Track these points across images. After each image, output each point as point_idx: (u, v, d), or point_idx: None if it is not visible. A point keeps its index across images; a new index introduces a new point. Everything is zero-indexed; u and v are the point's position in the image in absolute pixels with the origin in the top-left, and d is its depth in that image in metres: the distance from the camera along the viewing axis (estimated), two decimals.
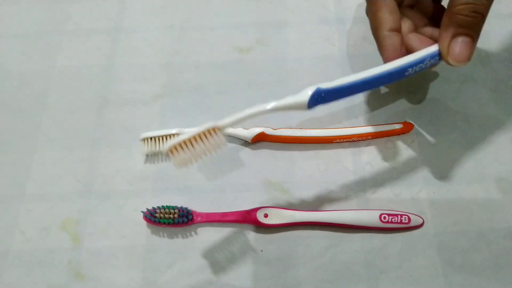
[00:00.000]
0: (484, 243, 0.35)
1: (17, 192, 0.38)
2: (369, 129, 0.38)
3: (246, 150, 0.39)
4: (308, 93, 0.29)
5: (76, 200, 0.37)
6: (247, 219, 0.35)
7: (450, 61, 0.30)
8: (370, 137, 0.38)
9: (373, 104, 0.41)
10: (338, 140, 0.38)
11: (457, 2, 0.28)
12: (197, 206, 0.36)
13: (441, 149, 0.38)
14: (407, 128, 0.38)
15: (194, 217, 0.35)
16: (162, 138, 0.38)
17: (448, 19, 0.29)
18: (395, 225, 0.35)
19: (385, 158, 0.38)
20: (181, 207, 0.35)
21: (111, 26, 0.46)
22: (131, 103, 0.41)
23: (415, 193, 0.37)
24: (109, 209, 0.37)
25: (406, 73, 0.30)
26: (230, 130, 0.38)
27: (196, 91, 0.42)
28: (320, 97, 0.29)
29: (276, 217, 0.35)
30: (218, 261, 0.35)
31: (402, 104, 0.41)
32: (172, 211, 0.34)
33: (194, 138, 0.29)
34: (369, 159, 0.38)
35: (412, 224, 0.35)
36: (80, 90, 0.42)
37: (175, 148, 0.29)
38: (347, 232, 0.35)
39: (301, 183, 0.37)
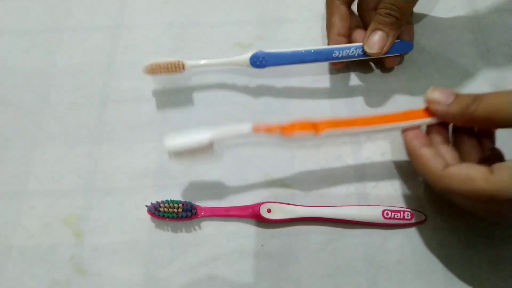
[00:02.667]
0: (484, 238, 0.35)
1: (19, 188, 0.38)
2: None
3: (247, 146, 0.39)
4: (250, 53, 0.38)
5: (77, 196, 0.37)
6: (251, 214, 0.35)
7: (365, 48, 0.37)
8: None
9: (374, 98, 0.41)
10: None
11: (381, 5, 0.36)
12: (198, 202, 0.37)
13: None
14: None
15: (198, 212, 0.35)
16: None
17: (374, 18, 0.37)
18: (397, 221, 0.35)
19: (385, 154, 0.38)
20: (185, 201, 0.35)
21: (112, 23, 0.46)
22: (132, 100, 0.42)
23: (415, 188, 0.37)
24: (110, 205, 0.37)
25: (333, 55, 0.38)
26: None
27: (196, 88, 0.42)
28: (259, 59, 0.38)
29: (279, 212, 0.35)
30: (219, 255, 0.35)
31: (402, 99, 0.41)
32: (176, 205, 0.35)
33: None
34: (369, 154, 0.38)
35: (414, 220, 0.35)
36: (81, 87, 0.42)
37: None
38: (348, 228, 0.36)
39: (302, 178, 0.38)
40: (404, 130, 0.33)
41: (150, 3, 0.47)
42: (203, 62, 0.39)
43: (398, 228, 0.35)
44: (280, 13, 0.46)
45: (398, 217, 0.35)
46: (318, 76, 0.42)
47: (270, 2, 0.47)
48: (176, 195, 0.37)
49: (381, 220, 0.35)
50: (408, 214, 0.35)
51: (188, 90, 0.42)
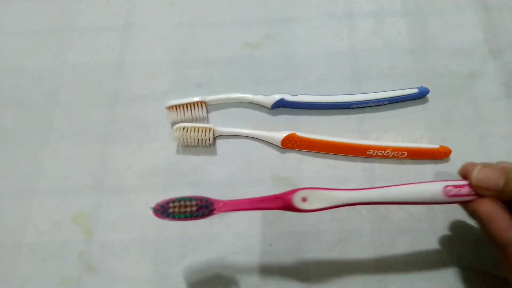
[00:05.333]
0: None
1: (30, 186, 0.38)
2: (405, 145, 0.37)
3: (254, 145, 0.39)
4: (275, 97, 0.39)
5: (88, 194, 0.38)
6: (281, 205, 0.29)
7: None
8: (405, 153, 0.37)
9: None
10: (371, 151, 0.37)
11: None
12: None
13: (451, 145, 0.38)
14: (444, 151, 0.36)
15: (216, 207, 0.29)
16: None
17: None
18: (461, 198, 0.29)
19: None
20: (200, 197, 0.30)
21: (121, 23, 0.46)
22: (141, 99, 0.42)
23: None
24: (120, 203, 0.37)
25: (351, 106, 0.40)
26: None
27: (205, 87, 0.42)
28: (281, 103, 0.39)
29: (318, 200, 0.29)
30: (228, 254, 0.35)
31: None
32: (189, 203, 0.29)
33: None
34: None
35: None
36: (91, 86, 0.43)
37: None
38: (356, 227, 0.35)
39: (310, 178, 0.38)
40: (478, 207, 0.27)
41: (159, 3, 0.47)
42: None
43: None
44: (289, 12, 0.46)
45: (463, 193, 0.29)
46: None
47: (278, 1, 0.47)
48: (185, 193, 0.36)
49: (443, 198, 0.29)
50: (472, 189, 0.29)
51: (197, 87, 0.42)
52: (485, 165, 0.28)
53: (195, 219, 0.29)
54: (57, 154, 0.40)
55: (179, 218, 0.29)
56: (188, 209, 0.29)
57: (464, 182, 0.29)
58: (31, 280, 0.35)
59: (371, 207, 0.36)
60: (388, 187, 0.30)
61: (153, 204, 0.29)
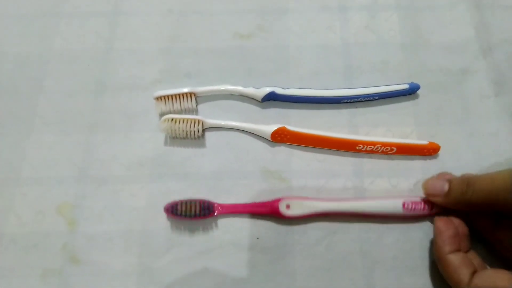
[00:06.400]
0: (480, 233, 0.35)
1: (13, 175, 0.37)
2: (394, 141, 0.37)
3: (244, 138, 0.39)
4: (266, 90, 0.38)
5: (72, 185, 0.37)
6: (269, 210, 0.34)
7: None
8: (394, 149, 0.37)
9: None
10: (361, 146, 0.37)
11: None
12: (195, 193, 0.36)
13: (440, 141, 0.38)
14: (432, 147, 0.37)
15: (216, 209, 0.35)
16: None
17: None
18: (418, 213, 0.34)
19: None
20: (203, 200, 0.35)
21: (110, 9, 0.45)
22: (129, 88, 0.41)
23: (412, 183, 0.37)
24: (105, 194, 0.37)
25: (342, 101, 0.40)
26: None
27: (195, 77, 0.41)
28: (272, 96, 0.39)
29: (299, 208, 0.34)
30: (214, 247, 0.35)
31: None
32: (193, 204, 0.34)
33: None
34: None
35: (434, 210, 0.34)
36: (77, 73, 0.42)
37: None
38: (344, 222, 0.35)
39: (299, 171, 0.37)
40: (436, 223, 0.32)
41: None
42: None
43: (418, 222, 0.35)
44: (281, 3, 0.45)
45: (419, 207, 0.34)
46: None
47: None
48: (172, 185, 0.37)
49: (401, 212, 0.34)
50: (428, 205, 0.34)
51: (187, 77, 0.41)
52: (433, 177, 0.35)
53: (198, 218, 0.34)
54: (41, 143, 0.39)
55: (185, 217, 0.34)
56: (193, 210, 0.34)
57: (418, 199, 0.34)
58: (12, 271, 0.34)
59: None
60: (358, 201, 0.35)
61: (158, 199, 0.35)
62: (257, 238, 0.35)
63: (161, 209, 0.34)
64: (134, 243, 0.35)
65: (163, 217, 0.35)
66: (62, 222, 0.36)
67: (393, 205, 0.34)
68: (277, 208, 0.34)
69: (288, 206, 0.34)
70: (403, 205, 0.34)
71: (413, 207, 0.34)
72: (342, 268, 0.34)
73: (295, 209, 0.34)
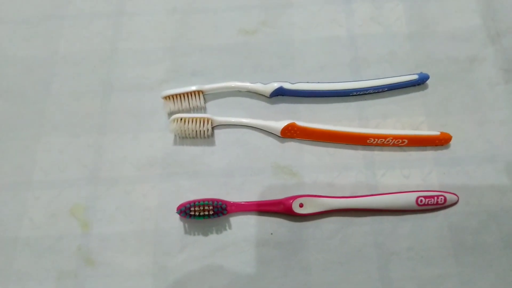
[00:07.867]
0: (495, 223, 0.34)
1: (24, 179, 0.37)
2: (405, 132, 0.37)
3: (253, 134, 0.38)
4: (274, 85, 0.38)
5: (83, 186, 0.37)
6: (282, 209, 0.34)
7: None
8: (405, 141, 0.37)
9: None
10: (372, 140, 0.37)
11: None
12: (206, 190, 0.36)
13: (451, 130, 0.37)
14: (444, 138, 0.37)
15: (228, 208, 0.35)
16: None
17: None
18: (431, 207, 0.35)
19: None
20: (215, 200, 0.34)
21: (113, 10, 0.45)
22: (135, 88, 0.41)
23: (425, 174, 0.36)
24: (117, 195, 0.37)
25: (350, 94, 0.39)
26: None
27: (201, 75, 0.41)
28: (280, 91, 0.39)
29: (312, 206, 0.34)
30: (228, 244, 0.35)
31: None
32: (206, 207, 0.34)
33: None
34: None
35: (448, 203, 0.35)
36: (83, 75, 0.42)
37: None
38: (357, 216, 0.35)
39: (310, 166, 0.37)
40: None
41: None
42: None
43: (430, 212, 0.35)
44: None
45: (432, 202, 0.34)
46: None
47: None
48: (184, 184, 0.37)
49: (415, 207, 0.34)
50: (441, 198, 0.34)
51: (193, 76, 0.41)
52: None
53: (211, 218, 0.34)
54: (50, 146, 0.39)
55: (199, 219, 0.34)
56: (206, 212, 0.34)
57: (433, 193, 0.34)
58: (28, 275, 0.34)
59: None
60: (370, 197, 0.35)
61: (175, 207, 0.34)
62: (271, 234, 0.35)
63: (173, 208, 0.34)
64: (148, 243, 0.35)
65: (175, 216, 0.35)
66: (75, 224, 0.36)
67: (407, 200, 0.34)
68: (290, 206, 0.34)
69: (301, 205, 0.34)
70: (417, 200, 0.34)
71: (427, 202, 0.34)
72: (356, 261, 0.34)
73: (309, 208, 0.34)
